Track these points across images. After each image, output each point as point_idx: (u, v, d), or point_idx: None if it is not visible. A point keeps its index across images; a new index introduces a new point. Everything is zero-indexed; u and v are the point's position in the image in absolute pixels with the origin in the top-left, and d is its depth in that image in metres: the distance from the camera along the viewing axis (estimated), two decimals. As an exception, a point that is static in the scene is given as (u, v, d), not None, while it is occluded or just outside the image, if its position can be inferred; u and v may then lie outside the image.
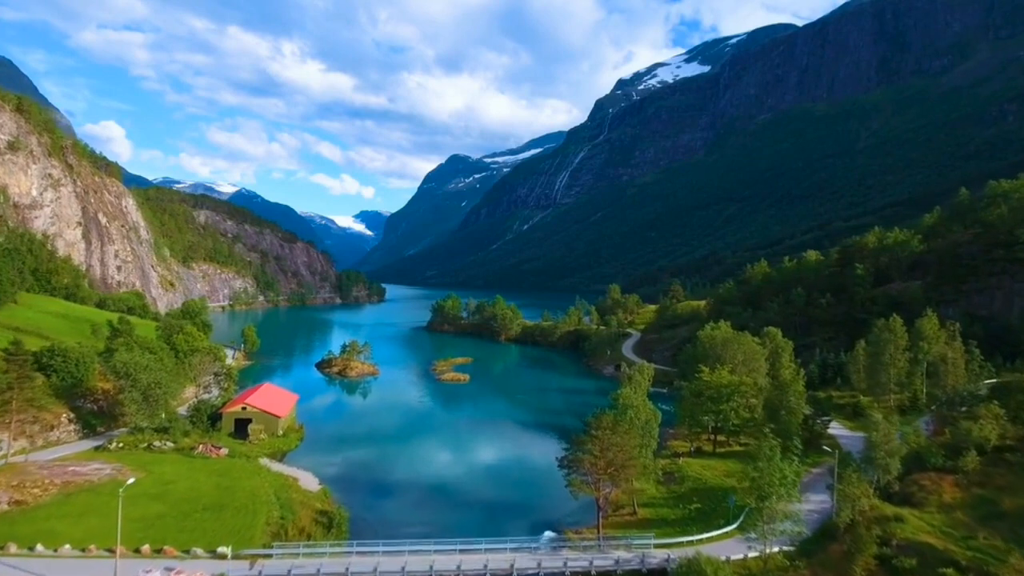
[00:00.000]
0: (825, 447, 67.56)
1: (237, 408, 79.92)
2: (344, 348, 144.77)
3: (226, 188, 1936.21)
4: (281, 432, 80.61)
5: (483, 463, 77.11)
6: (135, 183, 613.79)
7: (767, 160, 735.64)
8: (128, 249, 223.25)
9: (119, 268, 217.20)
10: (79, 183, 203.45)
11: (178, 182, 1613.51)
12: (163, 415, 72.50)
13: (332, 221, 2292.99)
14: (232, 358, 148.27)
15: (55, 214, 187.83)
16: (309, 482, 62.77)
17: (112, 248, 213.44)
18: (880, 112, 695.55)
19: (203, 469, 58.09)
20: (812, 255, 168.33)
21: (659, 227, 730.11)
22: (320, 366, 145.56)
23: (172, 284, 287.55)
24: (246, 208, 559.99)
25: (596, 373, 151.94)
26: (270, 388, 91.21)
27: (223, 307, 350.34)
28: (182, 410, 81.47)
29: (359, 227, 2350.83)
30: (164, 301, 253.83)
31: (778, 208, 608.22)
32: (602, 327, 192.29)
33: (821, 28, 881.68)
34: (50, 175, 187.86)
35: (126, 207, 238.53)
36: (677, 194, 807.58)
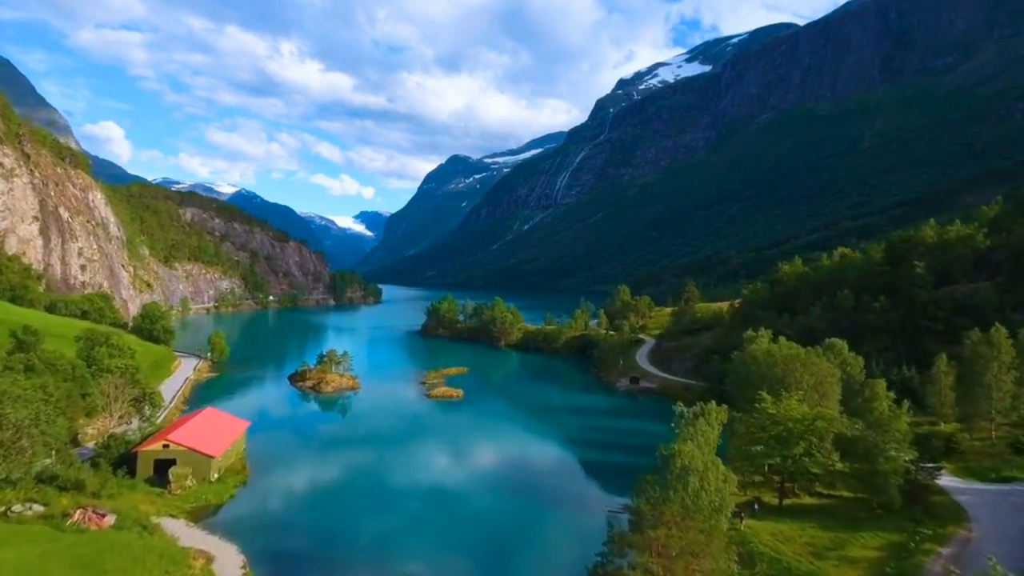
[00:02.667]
0: (919, 511, 49.74)
1: (156, 446, 61.71)
2: (320, 358, 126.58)
3: (226, 188, 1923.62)
4: (216, 476, 62.42)
5: (471, 524, 58.67)
6: (134, 184, 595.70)
7: (770, 160, 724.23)
8: (94, 247, 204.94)
9: (83, 267, 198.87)
10: (37, 174, 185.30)
11: (178, 182, 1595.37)
12: (50, 459, 54.39)
13: (332, 222, 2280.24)
14: (193, 370, 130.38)
15: (7, 207, 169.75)
16: (229, 564, 44.63)
17: (75, 245, 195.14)
18: (884, 111, 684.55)
19: (64, 554, 40.03)
20: (843, 251, 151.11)
21: (661, 227, 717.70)
22: (293, 379, 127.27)
23: (149, 285, 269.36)
24: (244, 208, 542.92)
25: (608, 386, 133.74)
26: (210, 416, 72.97)
27: (208, 309, 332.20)
28: (87, 448, 63.55)
29: (359, 228, 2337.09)
30: (138, 303, 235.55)
31: (781, 208, 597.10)
32: (611, 332, 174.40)
33: (824, 27, 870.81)
34: (1, 164, 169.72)
35: (93, 201, 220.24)
36: (679, 194, 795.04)
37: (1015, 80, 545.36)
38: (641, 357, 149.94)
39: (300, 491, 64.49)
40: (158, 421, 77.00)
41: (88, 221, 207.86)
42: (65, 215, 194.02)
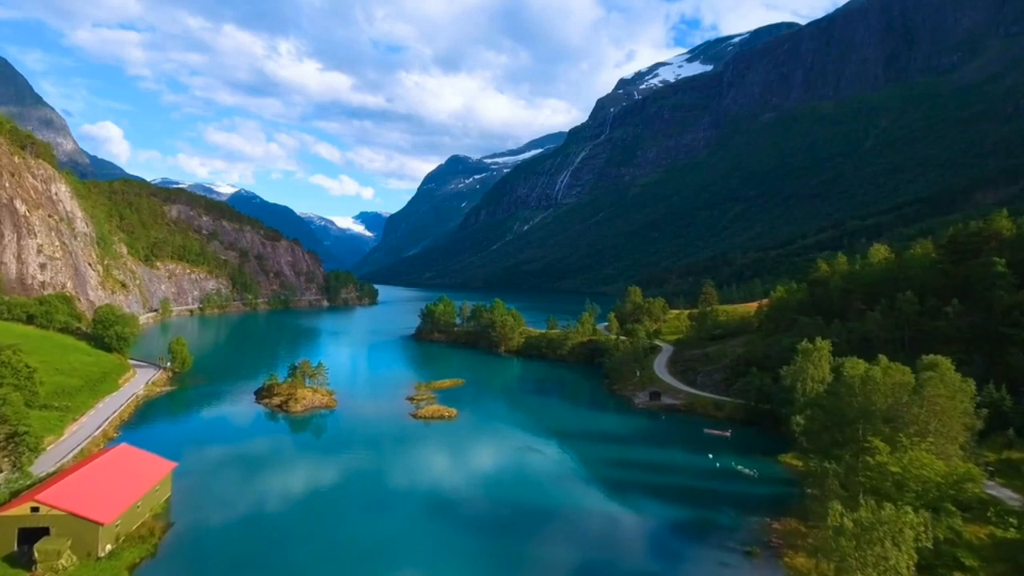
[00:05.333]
0: None
1: (22, 509, 44.51)
2: (292, 370, 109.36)
3: (225, 189, 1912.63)
4: (107, 549, 45.19)
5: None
6: (118, 179, 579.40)
7: (773, 159, 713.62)
8: (56, 244, 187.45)
9: (43, 266, 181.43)
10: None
11: (177, 183, 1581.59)
12: None
13: (331, 222, 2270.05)
14: (146, 384, 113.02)
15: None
16: None
17: (33, 242, 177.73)
18: (888, 110, 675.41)
19: None
20: (879, 247, 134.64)
21: (662, 227, 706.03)
22: (260, 395, 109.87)
23: (124, 285, 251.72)
24: (244, 209, 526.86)
25: (623, 401, 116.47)
26: (118, 457, 55.52)
27: (192, 311, 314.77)
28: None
29: (358, 228, 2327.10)
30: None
31: (785, 208, 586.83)
32: (623, 338, 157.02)
33: (827, 25, 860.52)
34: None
35: (56, 194, 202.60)
36: (681, 194, 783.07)
37: (1022, 78, 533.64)
38: (659, 367, 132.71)
39: (228, 565, 46.93)
40: (62, 462, 59.82)
41: (50, 216, 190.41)
42: (22, 208, 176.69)
